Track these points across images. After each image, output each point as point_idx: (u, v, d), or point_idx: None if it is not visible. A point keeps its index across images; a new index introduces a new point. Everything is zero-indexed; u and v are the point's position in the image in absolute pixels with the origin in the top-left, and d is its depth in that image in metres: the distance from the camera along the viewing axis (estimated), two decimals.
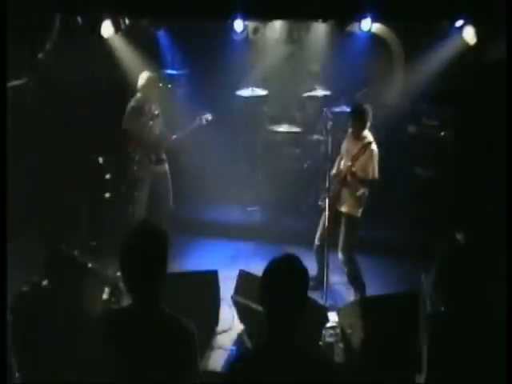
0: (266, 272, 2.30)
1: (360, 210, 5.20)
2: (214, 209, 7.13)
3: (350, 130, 5.30)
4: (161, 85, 6.01)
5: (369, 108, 5.11)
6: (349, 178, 5.07)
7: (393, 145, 6.71)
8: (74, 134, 6.16)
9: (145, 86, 5.76)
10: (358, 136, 5.15)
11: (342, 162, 5.28)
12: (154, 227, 2.51)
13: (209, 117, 6.04)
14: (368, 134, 5.15)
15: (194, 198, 7.09)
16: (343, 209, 5.21)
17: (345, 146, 5.37)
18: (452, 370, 3.02)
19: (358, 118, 5.13)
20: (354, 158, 5.01)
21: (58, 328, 4.00)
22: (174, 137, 5.96)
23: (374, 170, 5.05)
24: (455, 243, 5.50)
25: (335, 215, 5.14)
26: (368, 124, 5.13)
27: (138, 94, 5.82)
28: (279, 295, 2.24)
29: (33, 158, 5.65)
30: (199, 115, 6.03)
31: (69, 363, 3.73)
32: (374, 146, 5.05)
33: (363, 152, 4.98)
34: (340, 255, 5.23)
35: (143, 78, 5.77)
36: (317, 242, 5.43)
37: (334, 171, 5.37)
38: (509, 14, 4.47)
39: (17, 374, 3.44)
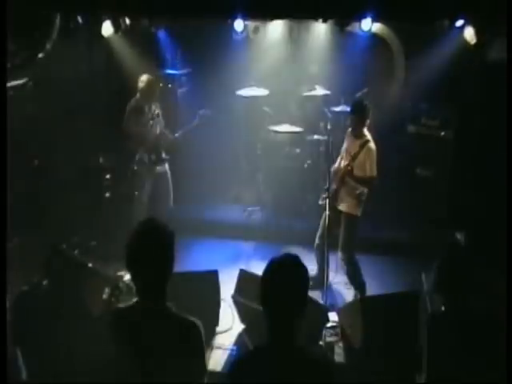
0: (265, 272, 2.30)
1: (359, 209, 5.20)
2: (214, 209, 7.13)
3: (349, 129, 5.31)
4: (161, 85, 6.00)
5: (368, 106, 5.11)
6: (346, 176, 5.08)
7: (393, 145, 6.71)
8: (74, 134, 6.16)
9: (145, 89, 5.75)
10: (356, 134, 5.15)
11: (342, 162, 5.29)
12: (161, 227, 2.53)
13: (208, 113, 6.02)
14: (367, 133, 5.15)
15: (194, 198, 7.09)
16: (343, 208, 5.22)
17: (345, 145, 5.38)
18: (452, 369, 3.02)
19: (356, 116, 5.13)
20: (352, 157, 5.02)
21: (58, 328, 4.00)
22: (175, 136, 5.95)
23: (372, 169, 5.04)
24: (455, 243, 5.50)
25: (335, 214, 5.14)
26: (367, 122, 5.12)
27: (138, 95, 5.81)
28: (279, 295, 2.24)
29: (33, 157, 5.65)
30: (199, 113, 6.03)
31: (69, 363, 3.73)
32: (371, 145, 5.05)
33: (361, 150, 4.98)
34: (340, 254, 5.23)
35: (143, 80, 5.76)
36: (317, 240, 5.43)
37: (333, 170, 5.37)
38: (509, 13, 4.47)
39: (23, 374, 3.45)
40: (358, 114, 5.10)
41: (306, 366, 2.23)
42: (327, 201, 5.06)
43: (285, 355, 2.25)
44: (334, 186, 5.18)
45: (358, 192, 5.14)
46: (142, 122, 5.79)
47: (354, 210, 5.19)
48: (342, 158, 5.35)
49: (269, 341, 2.28)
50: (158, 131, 5.90)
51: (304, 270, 2.30)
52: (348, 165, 5.05)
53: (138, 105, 5.80)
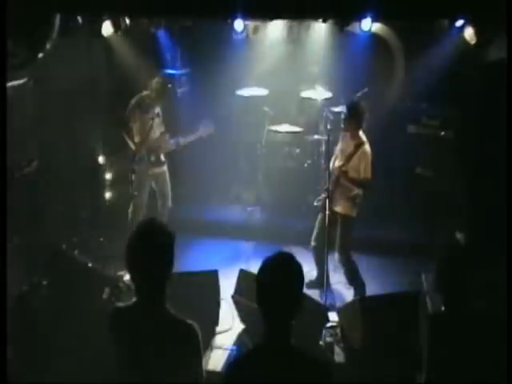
0: (260, 271, 2.30)
1: (355, 210, 5.20)
2: (214, 209, 7.13)
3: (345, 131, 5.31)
4: (169, 85, 5.98)
5: (362, 108, 5.11)
6: (341, 178, 5.08)
7: (393, 145, 6.71)
8: (74, 134, 6.16)
9: (159, 90, 5.71)
10: (352, 136, 5.14)
11: (336, 162, 5.28)
12: (161, 227, 2.53)
13: (211, 129, 6.02)
14: (362, 135, 5.14)
15: (194, 198, 7.09)
16: (338, 209, 5.20)
17: (340, 146, 5.36)
18: (452, 369, 3.02)
19: (352, 118, 5.12)
20: (347, 158, 5.01)
21: (58, 328, 4.01)
22: (174, 142, 5.94)
23: (366, 170, 5.03)
24: (455, 243, 5.50)
25: (331, 215, 5.13)
26: (362, 124, 5.11)
27: (152, 93, 5.78)
28: (273, 293, 2.25)
29: (33, 157, 5.65)
30: (203, 124, 6.00)
31: (68, 362, 3.74)
32: (366, 147, 5.04)
33: (355, 152, 4.97)
34: (337, 255, 5.22)
35: (158, 82, 5.72)
36: (313, 242, 5.41)
37: (329, 171, 5.36)
38: (509, 13, 4.47)
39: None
40: (352, 115, 5.10)
41: (304, 366, 2.23)
42: (326, 201, 5.06)
43: (282, 355, 2.25)
44: (330, 187, 5.17)
45: (352, 194, 5.14)
46: (143, 119, 5.77)
47: (350, 211, 5.19)
48: (336, 158, 5.33)
49: (266, 340, 2.28)
50: (157, 132, 5.89)
51: (298, 267, 2.30)
52: (343, 165, 5.04)
53: (140, 100, 5.76)
